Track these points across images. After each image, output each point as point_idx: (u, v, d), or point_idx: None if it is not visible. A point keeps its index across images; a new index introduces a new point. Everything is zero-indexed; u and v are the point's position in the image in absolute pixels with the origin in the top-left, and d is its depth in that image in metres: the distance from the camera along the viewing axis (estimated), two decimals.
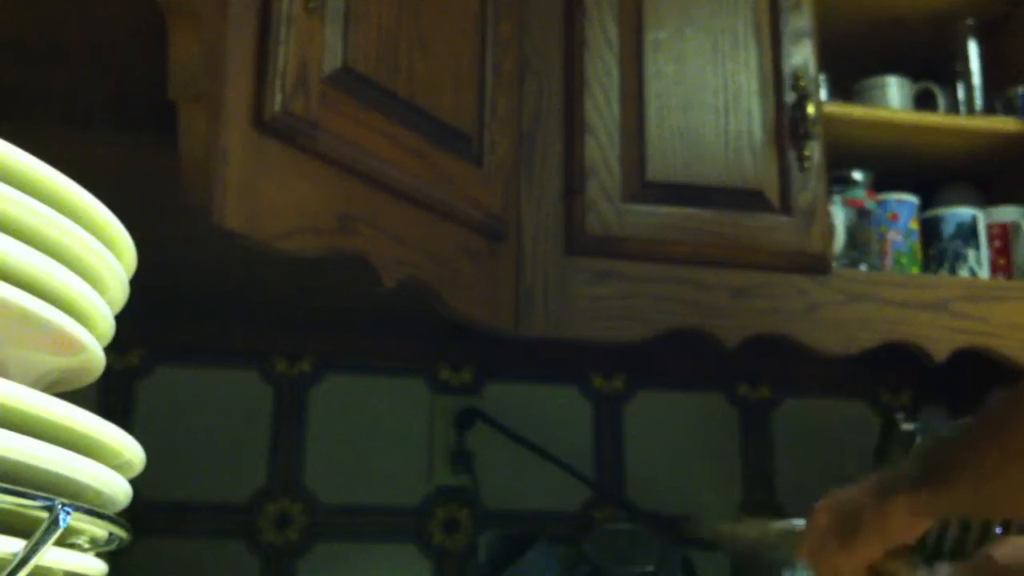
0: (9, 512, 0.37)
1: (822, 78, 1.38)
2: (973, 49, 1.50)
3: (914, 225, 1.41)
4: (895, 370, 1.60)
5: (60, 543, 0.39)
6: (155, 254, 0.53)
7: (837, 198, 1.39)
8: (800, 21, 1.34)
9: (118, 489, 0.45)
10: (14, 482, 0.37)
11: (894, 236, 1.40)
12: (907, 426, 1.35)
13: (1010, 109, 1.46)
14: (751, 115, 1.30)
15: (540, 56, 1.27)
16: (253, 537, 1.38)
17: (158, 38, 0.78)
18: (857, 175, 1.45)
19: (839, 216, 1.38)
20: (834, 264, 1.31)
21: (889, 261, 1.38)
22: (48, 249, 0.40)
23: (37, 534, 0.37)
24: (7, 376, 0.39)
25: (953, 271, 1.39)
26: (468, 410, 1.46)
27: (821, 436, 1.58)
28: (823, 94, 1.39)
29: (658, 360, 1.52)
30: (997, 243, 1.43)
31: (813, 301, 1.28)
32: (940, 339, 1.30)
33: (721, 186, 1.27)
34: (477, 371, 1.50)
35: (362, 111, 0.97)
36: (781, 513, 1.50)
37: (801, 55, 1.33)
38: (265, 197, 0.87)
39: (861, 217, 1.39)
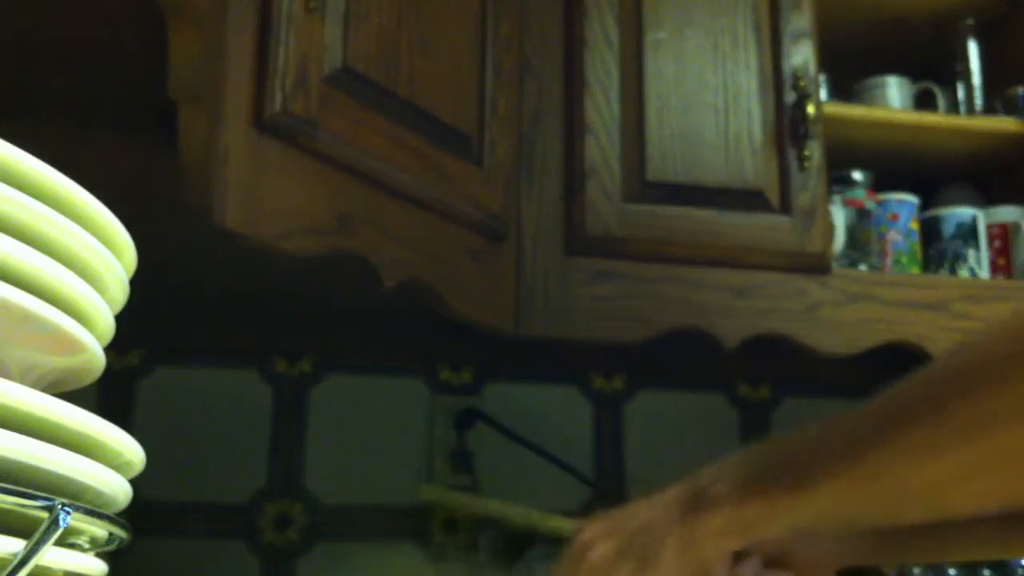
0: (9, 512, 0.37)
1: (822, 78, 1.38)
2: (973, 49, 1.50)
3: (914, 225, 1.41)
4: (895, 370, 1.60)
5: (60, 543, 0.39)
6: (155, 254, 0.53)
7: (837, 198, 1.39)
8: (800, 21, 1.34)
9: (118, 489, 0.45)
10: (14, 482, 0.37)
11: (894, 236, 1.40)
12: None
13: (1010, 109, 1.46)
14: (751, 115, 1.30)
15: (540, 56, 1.27)
16: (253, 537, 1.38)
17: (158, 38, 0.78)
18: (857, 175, 1.45)
19: (839, 216, 1.38)
20: (834, 264, 1.31)
21: (889, 261, 1.38)
22: (48, 249, 0.40)
23: (37, 534, 0.37)
24: (7, 376, 0.39)
25: (953, 271, 1.39)
26: (468, 410, 1.46)
27: None
28: (823, 94, 1.39)
29: (658, 360, 1.52)
30: (997, 243, 1.43)
31: (813, 301, 1.28)
32: (940, 339, 1.30)
33: (721, 186, 1.27)
34: (477, 371, 1.50)
35: (362, 111, 0.97)
36: None
37: (801, 55, 1.33)
38: (265, 197, 0.87)
39: (861, 217, 1.39)
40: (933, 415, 0.54)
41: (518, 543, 1.27)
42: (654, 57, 1.29)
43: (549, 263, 1.21)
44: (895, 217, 1.40)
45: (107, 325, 0.46)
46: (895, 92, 1.49)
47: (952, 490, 0.54)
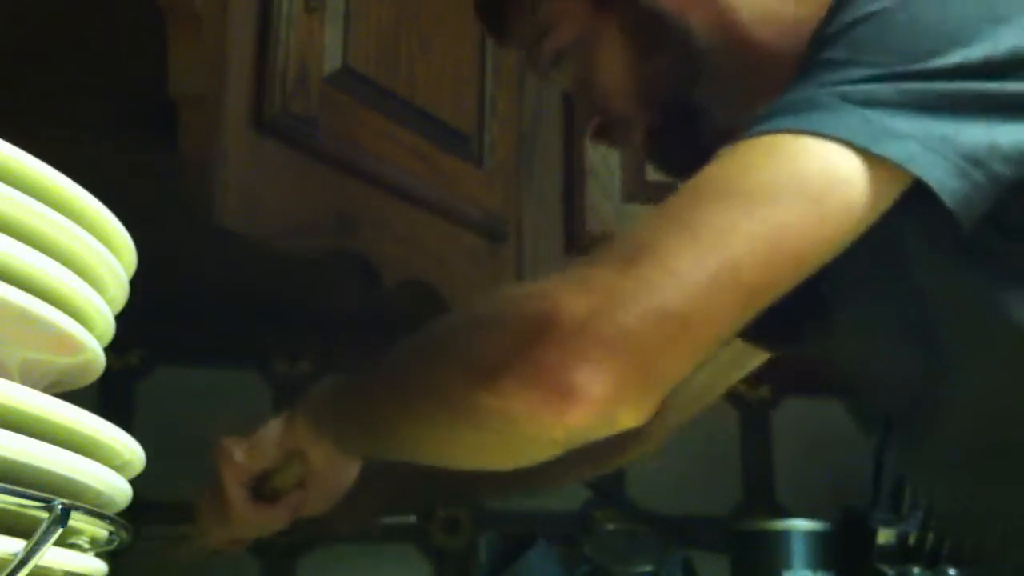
0: (9, 512, 0.37)
1: None
2: None
3: None
4: None
5: (60, 543, 0.39)
6: (155, 254, 0.53)
7: None
8: None
9: (118, 489, 0.45)
10: (14, 482, 0.37)
11: None
12: None
13: None
14: None
15: None
16: None
17: (158, 38, 0.78)
18: None
19: None
20: None
21: None
22: (48, 249, 0.40)
23: (37, 534, 0.37)
24: (7, 376, 0.39)
25: None
26: None
27: (821, 436, 1.58)
28: None
29: None
30: None
31: None
32: None
33: None
34: None
35: (362, 111, 0.97)
36: (780, 513, 1.50)
37: None
38: (265, 197, 0.87)
39: None
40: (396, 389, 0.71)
41: (518, 543, 1.27)
42: None
43: (549, 263, 1.21)
44: None
45: (107, 325, 0.46)
46: None
47: (428, 451, 0.69)
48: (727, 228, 0.57)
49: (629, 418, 0.59)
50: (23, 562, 0.37)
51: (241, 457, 0.84)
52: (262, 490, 0.86)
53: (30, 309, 0.39)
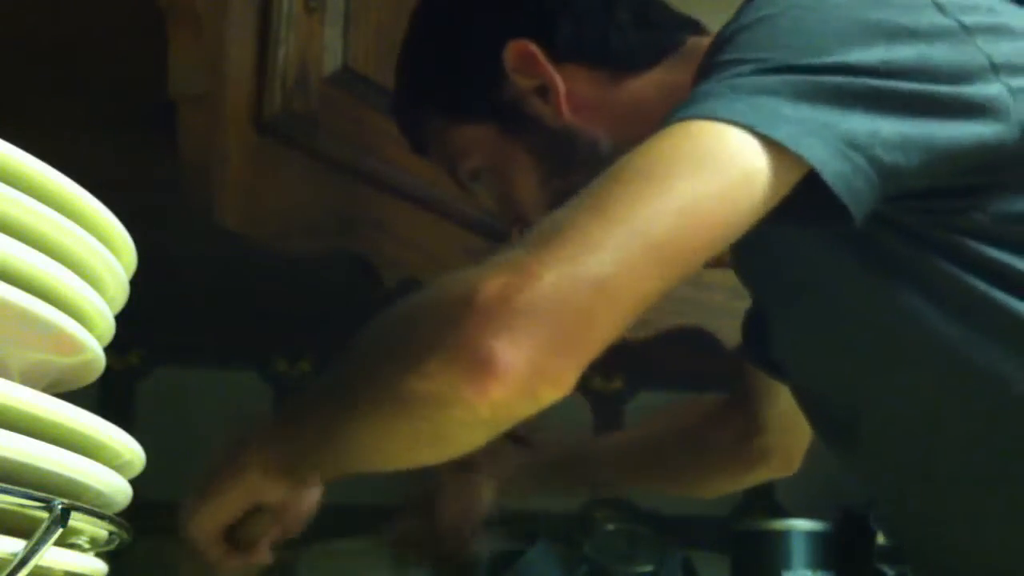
0: (9, 512, 0.37)
1: None
2: None
3: None
4: None
5: (60, 543, 0.39)
6: (155, 254, 0.53)
7: None
8: None
9: (118, 489, 0.45)
10: (14, 482, 0.37)
11: None
12: None
13: None
14: None
15: None
16: None
17: (158, 38, 0.78)
18: None
19: None
20: None
21: None
22: (48, 249, 0.40)
23: (37, 534, 0.37)
24: (7, 376, 0.39)
25: None
26: None
27: None
28: None
29: (658, 360, 1.52)
30: None
31: None
32: None
33: None
34: None
35: (362, 111, 0.97)
36: (780, 513, 1.50)
37: None
38: (265, 197, 0.87)
39: None
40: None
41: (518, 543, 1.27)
42: None
43: None
44: None
45: (107, 325, 0.46)
46: None
47: (369, 455, 0.71)
48: (635, 199, 0.60)
49: (551, 389, 0.59)
50: (23, 562, 0.37)
51: (205, 521, 0.84)
52: (234, 539, 0.86)
53: (30, 309, 0.39)
